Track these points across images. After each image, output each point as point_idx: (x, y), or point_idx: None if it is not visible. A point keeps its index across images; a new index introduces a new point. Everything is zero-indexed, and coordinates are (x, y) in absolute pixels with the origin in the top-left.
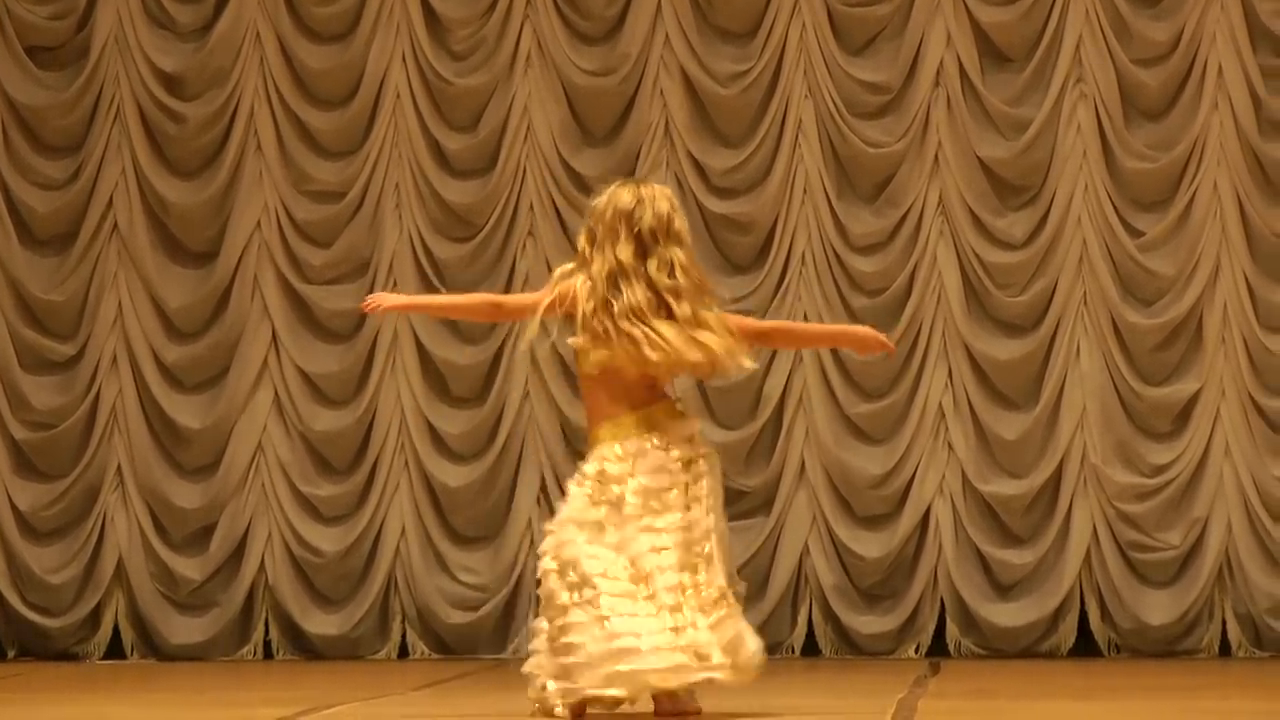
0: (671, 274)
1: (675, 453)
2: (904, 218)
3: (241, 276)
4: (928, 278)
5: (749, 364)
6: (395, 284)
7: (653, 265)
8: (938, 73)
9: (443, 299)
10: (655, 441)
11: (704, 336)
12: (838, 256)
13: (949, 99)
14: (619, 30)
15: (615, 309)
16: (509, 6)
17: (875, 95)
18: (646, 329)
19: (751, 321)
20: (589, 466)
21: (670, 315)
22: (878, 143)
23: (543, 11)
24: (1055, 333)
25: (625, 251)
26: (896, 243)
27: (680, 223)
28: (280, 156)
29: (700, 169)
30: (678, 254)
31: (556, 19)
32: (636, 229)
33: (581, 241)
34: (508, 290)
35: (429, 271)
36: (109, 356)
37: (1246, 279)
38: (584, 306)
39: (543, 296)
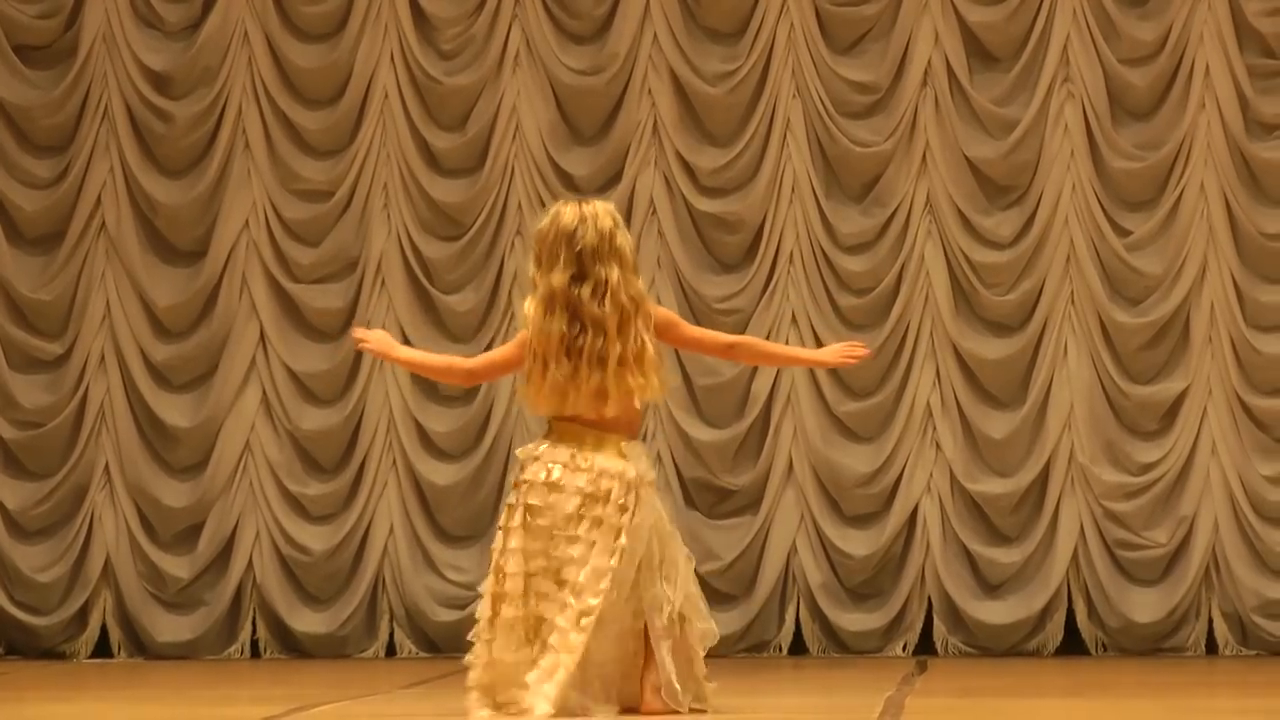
0: (602, 301)
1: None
2: (892, 217)
3: (229, 275)
4: (915, 277)
5: (637, 405)
6: (383, 283)
7: (586, 291)
8: (925, 72)
9: (422, 359)
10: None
11: (594, 381)
12: (825, 256)
13: (937, 98)
14: (607, 29)
15: (541, 339)
16: (497, 6)
17: (863, 95)
18: (552, 371)
19: (716, 336)
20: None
21: (584, 348)
22: (866, 142)
23: (531, 11)
24: (1043, 332)
25: (561, 276)
26: (884, 242)
27: (623, 238)
28: (268, 155)
29: (688, 168)
30: (614, 274)
31: (545, 18)
32: (578, 249)
33: (530, 267)
34: (495, 291)
35: (417, 271)
36: (97, 355)
37: (1233, 278)
38: (529, 335)
39: (511, 350)
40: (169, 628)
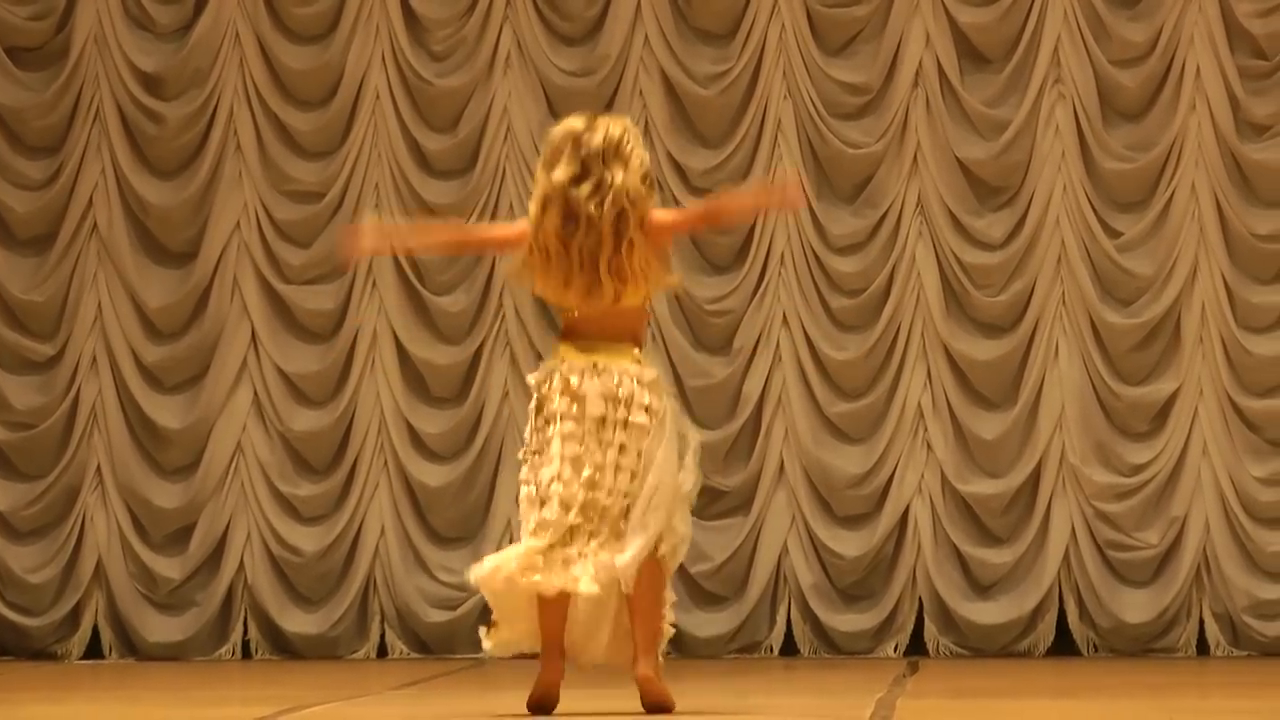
0: (600, 203)
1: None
2: (883, 218)
3: (221, 277)
4: (906, 278)
5: (630, 302)
6: (374, 284)
7: (585, 189)
8: (917, 73)
9: (422, 239)
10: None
11: (585, 279)
12: (817, 257)
13: (928, 100)
14: (598, 31)
15: (540, 234)
16: (489, 7)
17: (854, 96)
18: (553, 262)
19: (669, 220)
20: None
21: (580, 246)
22: (857, 143)
23: (522, 12)
24: (1034, 333)
25: (563, 173)
26: (875, 243)
27: (632, 148)
28: (260, 157)
29: (680, 169)
30: (618, 177)
31: (536, 20)
32: (583, 151)
33: (537, 167)
34: (487, 293)
35: (408, 272)
36: (89, 357)
37: (1224, 279)
38: (530, 230)
39: (512, 233)
40: (160, 629)
